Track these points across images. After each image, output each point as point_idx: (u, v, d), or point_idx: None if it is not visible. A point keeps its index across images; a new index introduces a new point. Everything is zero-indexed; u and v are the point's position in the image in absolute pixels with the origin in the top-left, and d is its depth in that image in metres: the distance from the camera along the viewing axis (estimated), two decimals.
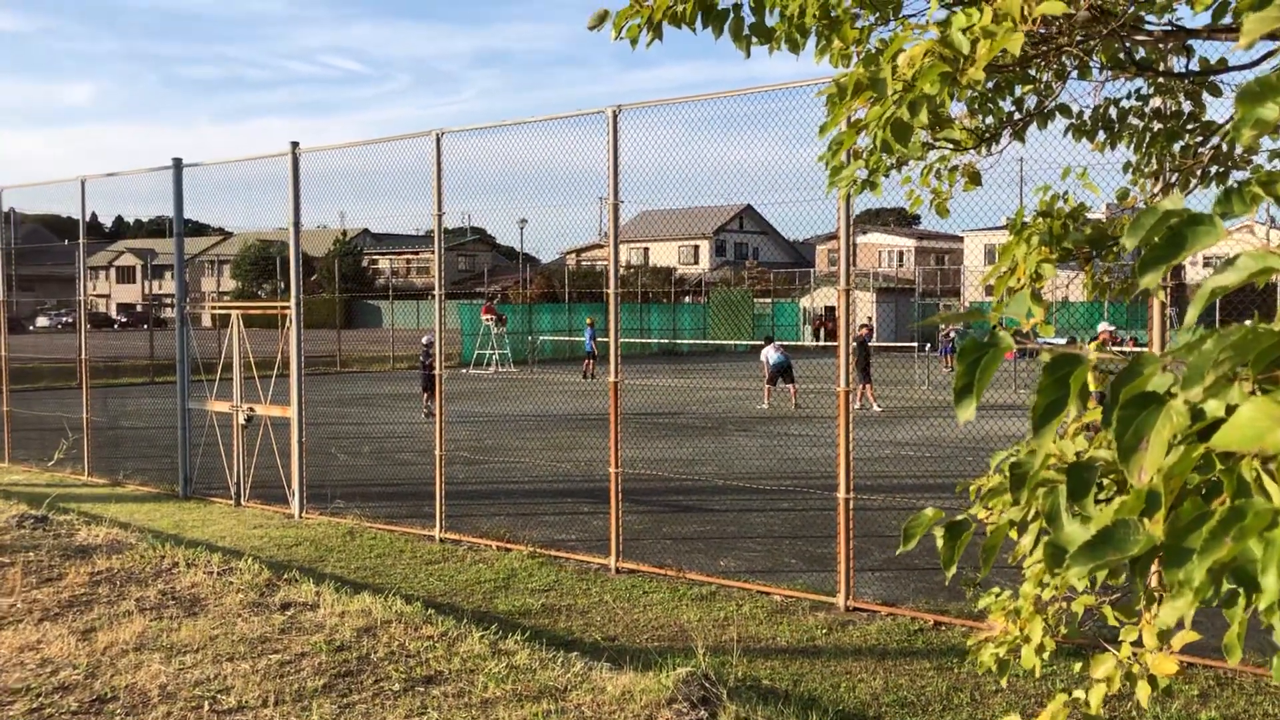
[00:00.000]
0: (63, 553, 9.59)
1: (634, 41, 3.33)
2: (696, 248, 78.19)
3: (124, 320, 76.26)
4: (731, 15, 3.30)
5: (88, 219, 15.49)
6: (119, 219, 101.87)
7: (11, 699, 6.13)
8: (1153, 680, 2.68)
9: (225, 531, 11.26)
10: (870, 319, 30.12)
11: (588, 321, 35.11)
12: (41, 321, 68.18)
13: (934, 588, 8.75)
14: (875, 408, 23.28)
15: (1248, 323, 1.28)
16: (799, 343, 44.10)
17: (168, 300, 65.42)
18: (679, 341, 48.42)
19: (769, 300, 54.87)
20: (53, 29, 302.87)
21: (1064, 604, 2.99)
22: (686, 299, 60.16)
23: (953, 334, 35.98)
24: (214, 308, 15.14)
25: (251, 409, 12.66)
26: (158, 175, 13.74)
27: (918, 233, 69.41)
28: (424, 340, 23.22)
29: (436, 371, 11.53)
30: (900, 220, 73.81)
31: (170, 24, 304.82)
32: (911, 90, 2.54)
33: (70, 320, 61.61)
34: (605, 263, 41.46)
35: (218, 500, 12.95)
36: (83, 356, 15.96)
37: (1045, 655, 2.95)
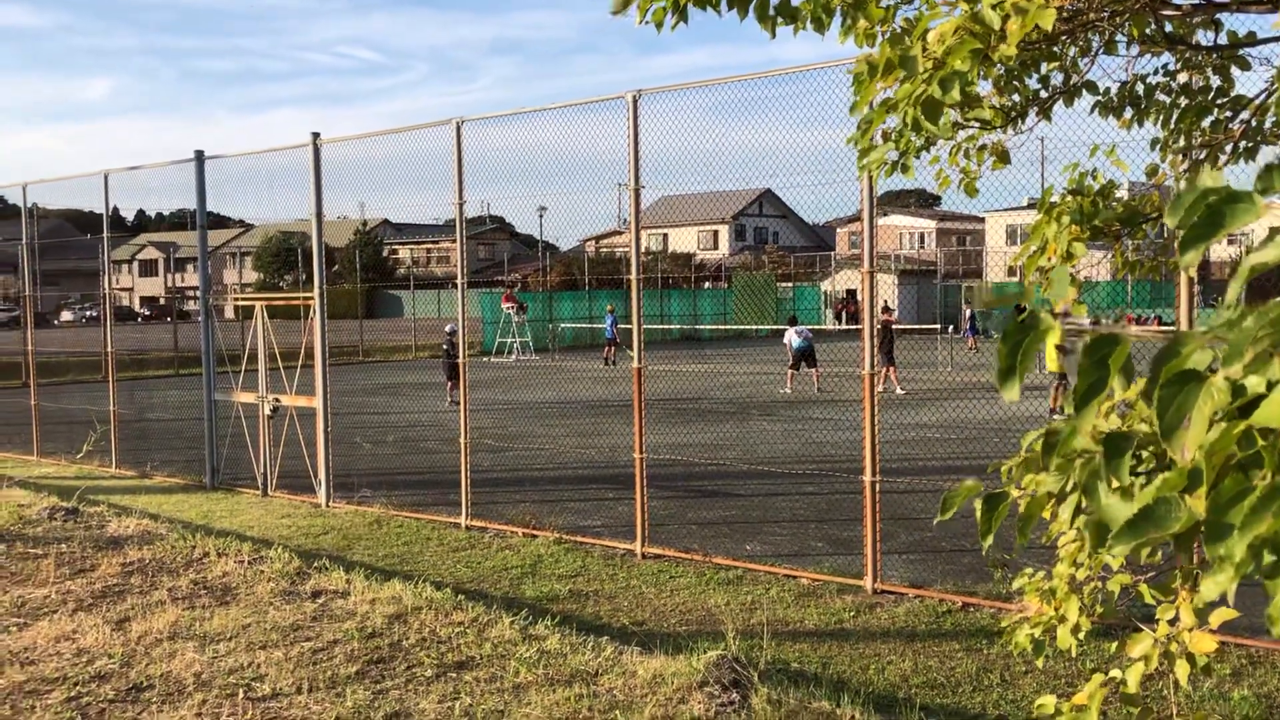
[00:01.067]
0: (94, 544, 9.68)
1: (659, 25, 3.32)
2: (716, 233, 78.04)
3: (147, 313, 76.75)
4: None
5: (110, 213, 15.58)
6: (140, 212, 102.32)
7: (49, 688, 6.21)
8: (1191, 658, 2.67)
9: (253, 521, 11.34)
10: (887, 303, 30.01)
11: (608, 309, 35.10)
12: (66, 316, 68.68)
13: (961, 570, 8.74)
14: (898, 390, 23.21)
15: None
16: (821, 326, 43.97)
17: (190, 293, 65.80)
18: (700, 327, 48.35)
19: (790, 284, 54.74)
20: (70, 25, 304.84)
21: (1099, 583, 2.99)
22: (707, 284, 60.05)
23: (972, 314, 35.81)
24: (237, 299, 15.20)
25: (277, 399, 12.73)
26: (180, 168, 13.81)
27: (939, 214, 69.07)
28: (447, 329, 23.24)
29: (461, 360, 11.57)
30: (921, 202, 73.48)
31: (187, 19, 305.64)
32: (942, 68, 2.53)
33: (94, 314, 62.06)
34: (625, 249, 41.42)
35: (245, 491, 13.04)
36: (108, 350, 16.07)
37: (1081, 635, 2.95)
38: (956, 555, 9.19)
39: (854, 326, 35.87)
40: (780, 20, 3.23)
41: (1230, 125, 3.82)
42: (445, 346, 23.35)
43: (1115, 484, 1.47)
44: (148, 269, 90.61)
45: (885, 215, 65.23)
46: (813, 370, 24.06)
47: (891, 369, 23.56)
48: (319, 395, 12.18)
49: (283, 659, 6.57)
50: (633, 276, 9.81)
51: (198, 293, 14.40)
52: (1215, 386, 1.31)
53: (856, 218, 8.81)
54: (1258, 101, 3.76)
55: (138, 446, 16.02)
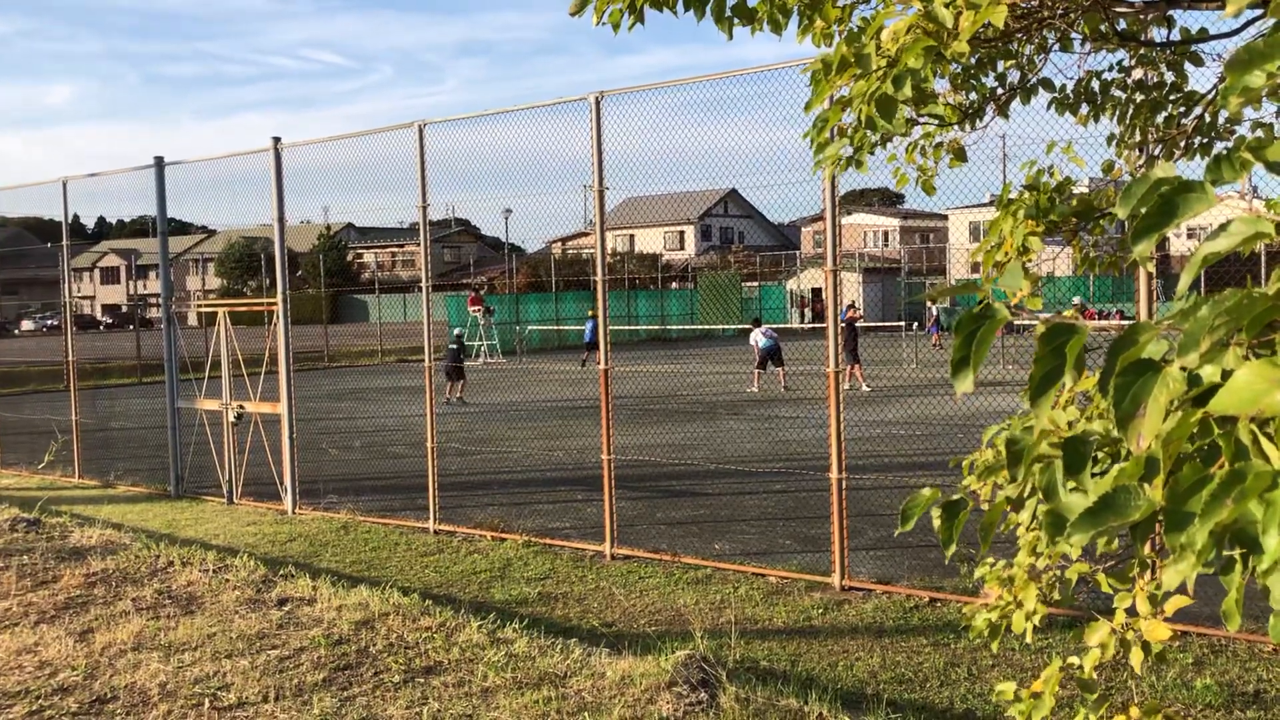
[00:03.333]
0: (57, 555, 9.56)
1: (616, 26, 3.32)
2: (682, 233, 78.11)
3: (109, 321, 75.95)
4: None
5: (70, 220, 15.41)
6: (101, 219, 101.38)
7: (11, 702, 6.12)
8: (1146, 646, 2.70)
9: (219, 529, 11.24)
10: (854, 304, 30.21)
11: (589, 313, 34.97)
12: (26, 325, 67.89)
13: (929, 565, 8.78)
14: (864, 388, 23.34)
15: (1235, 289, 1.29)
16: (787, 325, 44.13)
17: (153, 300, 65.18)
18: (668, 328, 48.38)
19: (756, 284, 54.87)
20: (32, 30, 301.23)
21: (1058, 572, 3.02)
22: (674, 285, 60.10)
23: (936, 311, 36.03)
24: (200, 306, 15.08)
25: (241, 406, 12.63)
26: (140, 174, 13.68)
27: (902, 212, 69.46)
28: (456, 332, 25.10)
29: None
30: (885, 200, 73.86)
31: (150, 23, 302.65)
32: (896, 65, 2.54)
33: (55, 323, 61.34)
34: (591, 250, 41.38)
35: (210, 499, 12.92)
36: (69, 359, 15.89)
37: (1036, 620, 2.97)
38: (924, 551, 9.24)
39: (819, 325, 36.04)
40: (737, 21, 3.23)
41: (1184, 121, 3.86)
42: (453, 347, 24.36)
43: (1073, 485, 1.48)
44: (109, 276, 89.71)
45: (849, 214, 65.49)
46: (779, 369, 24.14)
47: (856, 366, 23.70)
48: (284, 401, 12.09)
49: (249, 668, 6.51)
50: (598, 278, 9.80)
51: (160, 300, 14.26)
52: (1171, 376, 1.32)
53: (821, 217, 8.87)
54: (1210, 97, 3.80)
55: (101, 456, 15.84)
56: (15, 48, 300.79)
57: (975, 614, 3.02)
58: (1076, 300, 23.84)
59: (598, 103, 9.38)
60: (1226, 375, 1.26)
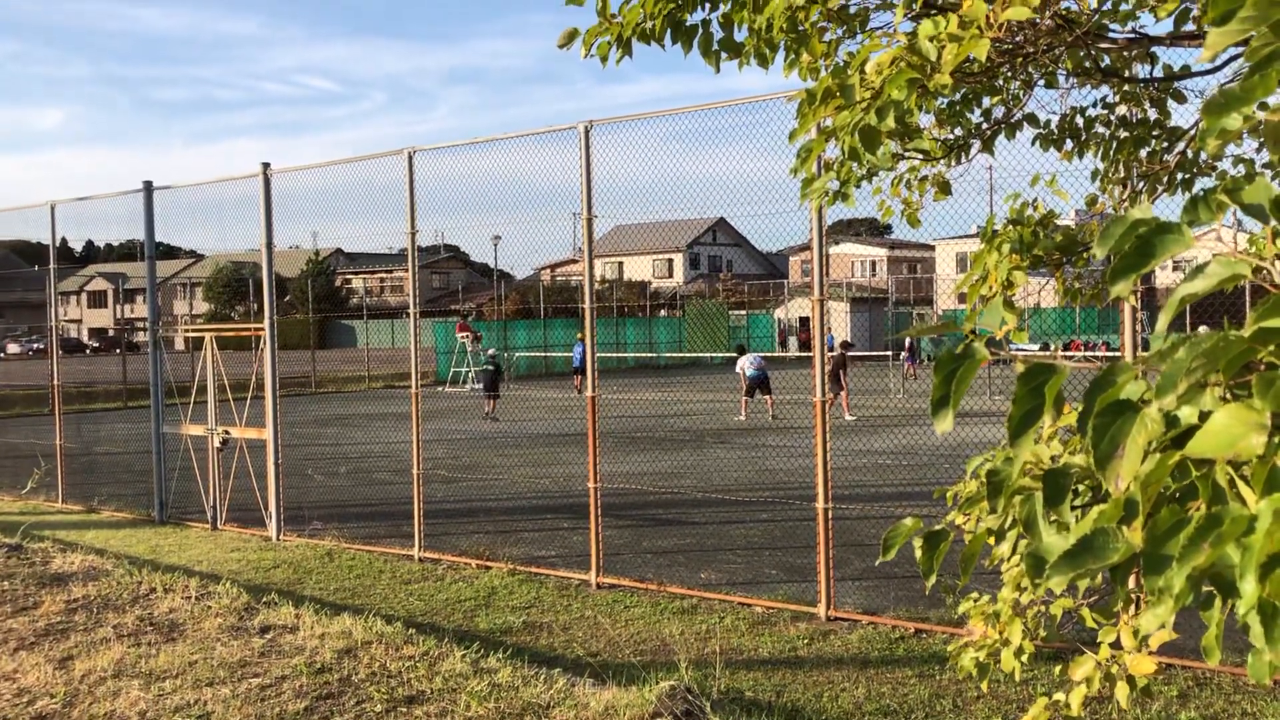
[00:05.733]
0: (38, 581, 9.49)
1: (604, 59, 3.34)
2: (670, 261, 78.34)
3: (96, 345, 75.69)
4: (700, 31, 3.31)
5: (58, 244, 15.38)
6: (89, 243, 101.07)
7: None
8: (1131, 680, 2.70)
9: (202, 555, 11.17)
10: (846, 339, 30.21)
11: (579, 336, 34.99)
12: (12, 348, 67.63)
13: (914, 595, 8.77)
14: (848, 417, 23.37)
15: (1212, 329, 1.30)
16: (774, 354, 44.18)
17: (140, 324, 64.97)
18: (656, 355, 48.40)
19: (744, 312, 55.00)
20: (21, 54, 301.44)
21: (1042, 607, 3.02)
22: (662, 312, 60.20)
23: (915, 340, 36.02)
24: (187, 331, 15.03)
25: (227, 432, 12.58)
26: (128, 199, 13.66)
27: (890, 242, 69.75)
28: (489, 352, 27.67)
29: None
30: (872, 230, 74.13)
31: (141, 47, 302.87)
32: (879, 97, 2.56)
33: (41, 346, 61.11)
34: (580, 278, 41.46)
35: (194, 524, 12.85)
36: (55, 382, 15.82)
37: (1024, 658, 2.97)
38: (909, 581, 9.22)
39: (806, 354, 36.07)
40: (725, 55, 3.25)
41: (1166, 157, 3.89)
42: (488, 367, 26.59)
43: (1054, 517, 1.49)
44: (96, 300, 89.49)
45: (837, 243, 65.75)
46: (767, 397, 24.16)
47: (843, 395, 23.76)
48: (269, 427, 12.04)
49: (230, 696, 6.46)
50: (586, 305, 9.81)
51: (147, 324, 14.22)
52: (1149, 417, 1.32)
53: (809, 246, 8.91)
54: (1193, 133, 3.83)
55: (85, 481, 15.75)
56: (5, 71, 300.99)
57: (961, 652, 3.01)
58: (1075, 342, 23.64)
59: (587, 132, 9.42)
60: (1204, 416, 1.27)
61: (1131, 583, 2.62)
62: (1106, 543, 1.32)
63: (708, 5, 3.25)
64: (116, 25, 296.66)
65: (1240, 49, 3.11)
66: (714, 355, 45.44)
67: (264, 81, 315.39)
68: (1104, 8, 3.38)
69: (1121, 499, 1.30)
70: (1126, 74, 3.75)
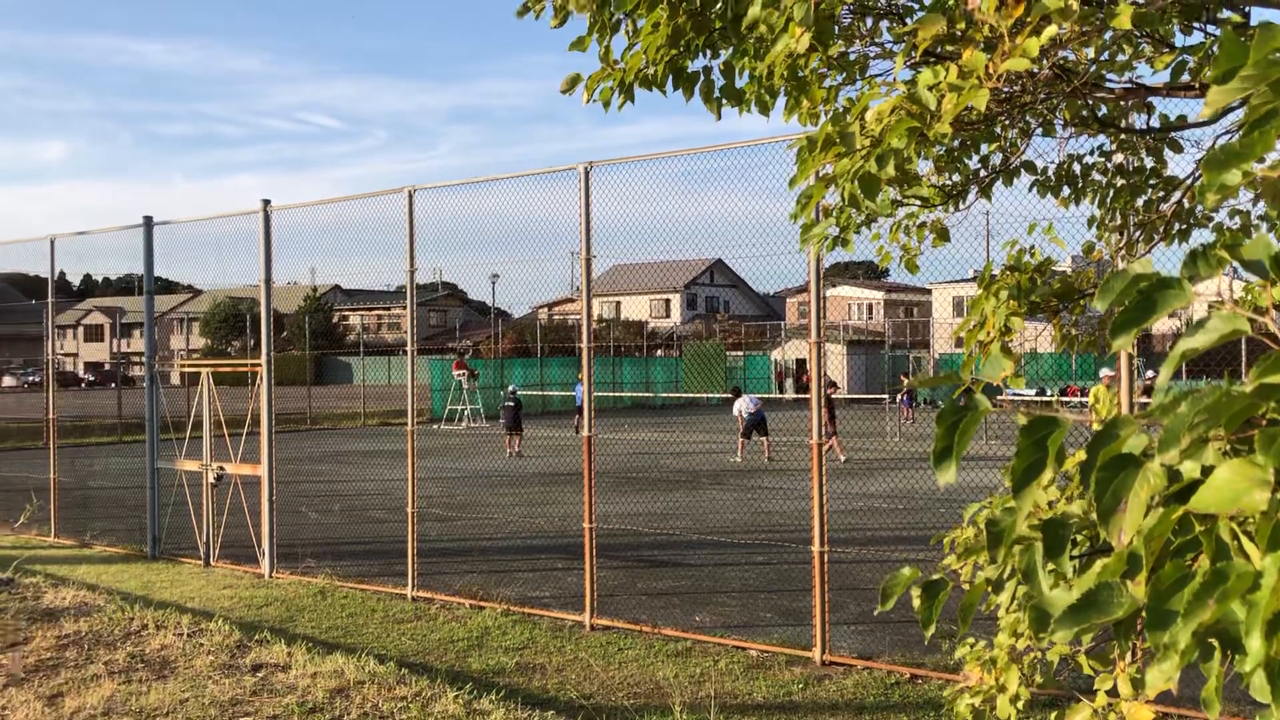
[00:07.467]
0: (29, 616, 9.42)
1: (606, 104, 3.37)
2: (668, 301, 78.51)
3: (91, 379, 75.58)
4: (702, 78, 3.34)
5: (56, 277, 15.40)
6: (87, 277, 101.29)
7: None
8: None
9: (195, 592, 11.10)
10: (829, 377, 30.25)
11: (578, 376, 35.00)
12: (8, 381, 67.54)
13: (910, 641, 8.72)
14: (841, 458, 23.34)
15: (1219, 383, 1.30)
16: (771, 395, 44.18)
17: (136, 359, 64.97)
18: (652, 395, 48.38)
19: (740, 353, 55.06)
20: (26, 88, 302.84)
21: (1039, 654, 3.00)
22: (659, 352, 60.25)
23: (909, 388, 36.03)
24: (183, 366, 15.04)
25: (221, 468, 12.54)
26: (128, 233, 13.70)
27: (887, 285, 69.99)
28: (510, 388, 28.33)
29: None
30: (869, 273, 74.43)
31: (145, 82, 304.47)
32: (879, 145, 2.58)
33: (37, 379, 61.03)
34: (577, 317, 41.52)
35: (187, 560, 12.78)
36: (50, 416, 15.78)
37: (1020, 705, 2.96)
38: (905, 626, 9.18)
39: (804, 396, 36.08)
40: (726, 101, 3.28)
41: (1163, 206, 3.92)
42: (509, 404, 26.94)
43: (1052, 567, 1.48)
44: (93, 334, 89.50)
45: (834, 286, 65.99)
46: (764, 439, 24.14)
47: (835, 438, 23.74)
48: (264, 463, 12.01)
49: None
50: (584, 345, 9.82)
51: (143, 358, 14.21)
52: (1152, 471, 1.32)
53: (806, 288, 8.97)
54: (1189, 183, 3.86)
55: (78, 515, 15.67)
56: (10, 104, 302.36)
57: (957, 698, 3.00)
58: (1105, 372, 23.14)
59: (587, 173, 9.48)
60: (1207, 471, 1.27)
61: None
62: (1111, 597, 1.32)
63: (709, 52, 3.28)
64: (122, 60, 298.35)
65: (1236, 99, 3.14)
66: (711, 395, 45.43)
67: (267, 118, 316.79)
68: (1102, 58, 3.42)
69: (1125, 553, 1.30)
70: (1123, 123, 3.78)
